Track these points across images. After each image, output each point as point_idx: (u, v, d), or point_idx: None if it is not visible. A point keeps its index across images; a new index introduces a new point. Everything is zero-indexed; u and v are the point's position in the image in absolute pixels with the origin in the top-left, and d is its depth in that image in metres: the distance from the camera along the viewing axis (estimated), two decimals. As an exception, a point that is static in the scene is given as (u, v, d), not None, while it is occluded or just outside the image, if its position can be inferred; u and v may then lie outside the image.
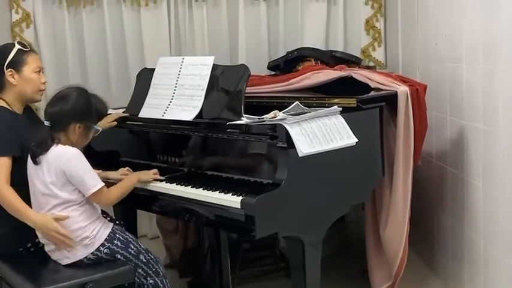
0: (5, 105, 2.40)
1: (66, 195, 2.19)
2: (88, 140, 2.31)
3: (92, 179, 2.20)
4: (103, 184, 2.22)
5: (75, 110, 2.22)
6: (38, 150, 2.21)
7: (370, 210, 2.84)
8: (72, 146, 2.24)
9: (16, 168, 2.28)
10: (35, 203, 2.25)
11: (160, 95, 2.70)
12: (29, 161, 2.25)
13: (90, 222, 2.23)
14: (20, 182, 2.26)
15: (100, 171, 2.48)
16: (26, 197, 2.24)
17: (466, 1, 2.62)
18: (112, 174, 2.50)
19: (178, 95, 2.63)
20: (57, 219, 2.18)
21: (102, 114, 2.36)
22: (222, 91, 2.55)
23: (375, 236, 2.82)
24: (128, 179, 2.38)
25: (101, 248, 2.24)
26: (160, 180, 2.42)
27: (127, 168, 2.53)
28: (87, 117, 2.25)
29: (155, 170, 2.45)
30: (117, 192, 2.30)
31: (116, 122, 2.68)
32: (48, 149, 2.19)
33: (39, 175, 2.21)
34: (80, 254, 2.23)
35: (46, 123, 2.23)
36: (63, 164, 2.17)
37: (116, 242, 2.26)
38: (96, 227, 2.25)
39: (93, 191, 2.18)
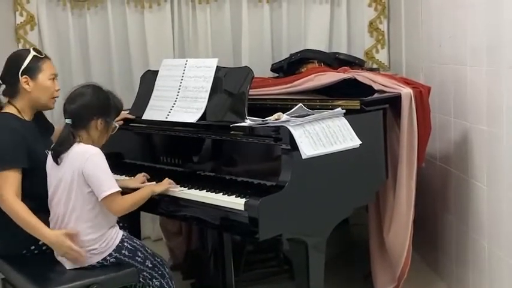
0: (15, 112, 2.38)
1: (81, 200, 2.17)
2: (107, 137, 2.30)
3: (109, 181, 2.16)
4: (119, 189, 2.18)
5: (95, 105, 2.22)
6: (60, 148, 2.19)
7: (373, 213, 2.84)
8: (94, 144, 2.23)
9: (24, 180, 2.27)
10: (52, 207, 2.24)
11: (164, 97, 2.70)
12: (50, 162, 2.24)
13: (100, 235, 2.21)
14: (29, 195, 2.26)
15: (119, 177, 2.46)
16: (35, 210, 2.22)
17: (469, 3, 2.62)
18: (132, 183, 2.44)
19: (182, 97, 2.63)
20: (68, 235, 2.16)
21: (119, 110, 2.35)
22: (225, 93, 2.55)
23: (379, 238, 2.81)
24: (141, 191, 2.30)
25: (108, 258, 2.23)
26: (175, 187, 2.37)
27: (143, 174, 2.48)
28: (107, 112, 2.25)
29: (170, 180, 2.38)
30: (130, 202, 2.23)
31: (122, 122, 2.68)
32: (69, 147, 2.18)
33: (60, 176, 2.19)
34: (86, 261, 2.22)
35: (67, 120, 2.21)
36: (83, 162, 2.14)
37: (123, 251, 2.25)
38: (106, 239, 2.22)
39: (108, 193, 2.14)
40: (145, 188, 2.35)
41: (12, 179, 2.23)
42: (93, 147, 2.20)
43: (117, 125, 2.35)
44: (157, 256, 2.33)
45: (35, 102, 2.42)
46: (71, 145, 2.18)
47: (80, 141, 2.20)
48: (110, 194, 2.15)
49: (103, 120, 2.24)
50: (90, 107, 2.21)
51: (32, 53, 2.41)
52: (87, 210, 2.19)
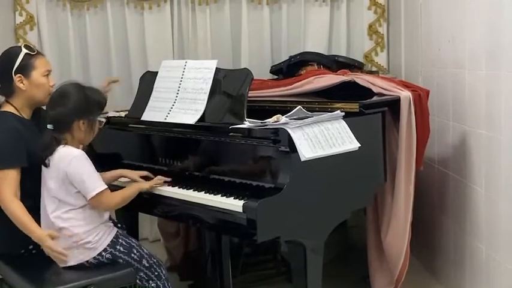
0: (13, 110, 2.38)
1: (69, 198, 2.19)
2: (95, 133, 2.31)
3: (94, 182, 2.18)
4: (105, 187, 2.21)
5: (74, 108, 2.21)
6: (43, 153, 2.21)
7: (371, 216, 2.84)
8: (81, 143, 2.25)
9: (23, 179, 2.27)
10: (43, 205, 2.25)
11: (163, 98, 2.70)
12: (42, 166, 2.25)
13: (93, 227, 2.22)
14: (27, 194, 2.26)
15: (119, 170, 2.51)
16: (32, 209, 2.22)
17: (469, 7, 2.63)
18: (130, 173, 2.49)
19: (181, 98, 2.63)
20: (51, 235, 2.17)
21: (101, 105, 2.33)
22: (224, 95, 2.55)
23: (377, 241, 2.81)
24: (129, 188, 2.36)
25: (103, 253, 2.24)
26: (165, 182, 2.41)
27: (147, 172, 2.51)
28: (88, 111, 2.24)
29: (159, 176, 2.43)
30: (119, 198, 2.28)
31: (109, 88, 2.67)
32: (53, 151, 2.19)
33: (50, 177, 2.21)
34: (81, 257, 2.22)
35: (49, 126, 2.23)
36: (66, 165, 2.17)
37: (118, 247, 2.26)
38: (100, 232, 2.24)
39: (93, 193, 2.17)
40: (134, 184, 2.40)
41: (10, 178, 2.24)
42: (75, 149, 2.21)
43: (104, 120, 2.36)
44: (153, 257, 2.33)
45: (31, 100, 2.42)
46: (54, 149, 2.20)
47: (65, 144, 2.21)
48: (97, 194, 2.17)
49: (85, 120, 2.24)
50: (69, 111, 2.21)
51: (24, 50, 2.39)
52: (79, 207, 2.21)
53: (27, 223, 2.20)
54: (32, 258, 2.33)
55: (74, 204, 2.20)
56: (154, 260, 2.32)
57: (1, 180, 2.23)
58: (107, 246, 2.24)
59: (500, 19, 2.32)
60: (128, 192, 2.33)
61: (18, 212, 2.20)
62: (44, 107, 2.55)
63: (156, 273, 2.30)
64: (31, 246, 2.33)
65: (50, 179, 2.21)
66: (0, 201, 2.23)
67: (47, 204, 2.23)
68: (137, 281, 2.27)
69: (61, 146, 2.20)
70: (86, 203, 2.21)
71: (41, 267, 2.26)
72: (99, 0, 3.57)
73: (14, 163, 2.26)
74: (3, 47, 2.48)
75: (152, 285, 2.28)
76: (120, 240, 2.28)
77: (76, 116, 2.22)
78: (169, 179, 2.43)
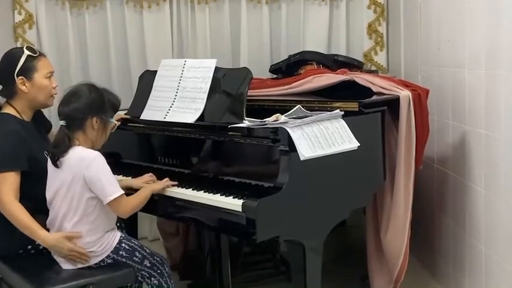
0: (14, 113, 2.37)
1: (83, 202, 2.16)
2: (107, 135, 2.27)
3: (112, 186, 2.14)
4: (123, 192, 2.17)
5: (88, 104, 2.19)
6: (55, 150, 2.17)
7: (371, 215, 2.84)
8: (92, 145, 2.22)
9: (23, 182, 2.25)
10: (51, 209, 2.22)
11: (162, 97, 2.70)
12: (50, 165, 2.22)
13: (98, 237, 2.21)
14: (27, 196, 2.25)
15: (122, 178, 2.45)
16: (32, 212, 2.21)
17: (469, 6, 2.62)
18: (136, 182, 2.43)
19: (180, 97, 2.63)
20: (69, 238, 2.16)
21: (115, 106, 2.31)
22: (224, 94, 2.55)
23: (376, 240, 2.81)
24: (142, 191, 2.30)
25: (105, 259, 2.23)
26: (174, 185, 2.37)
27: (150, 174, 2.46)
28: (102, 110, 2.22)
29: (166, 179, 2.39)
30: (135, 202, 2.24)
31: (119, 122, 2.67)
32: (66, 150, 2.15)
33: (60, 180, 2.18)
34: (81, 264, 2.22)
35: (61, 122, 2.19)
36: (84, 167, 2.12)
37: (121, 252, 2.24)
38: (104, 241, 2.22)
39: (112, 197, 2.13)
40: (146, 187, 2.34)
41: (11, 181, 2.22)
42: (92, 151, 2.18)
43: (116, 123, 2.33)
44: (156, 255, 2.33)
45: (33, 102, 2.41)
46: (67, 148, 2.16)
47: (78, 144, 2.18)
48: (115, 198, 2.14)
49: (98, 118, 2.21)
50: (83, 106, 2.18)
51: (26, 52, 2.37)
52: (87, 214, 2.18)
53: (33, 228, 2.19)
54: (31, 258, 2.32)
55: (84, 211, 2.17)
56: (157, 259, 2.31)
57: (1, 183, 2.21)
58: (110, 252, 2.23)
59: (500, 19, 2.31)
60: (143, 196, 2.28)
61: (21, 216, 2.19)
62: (43, 110, 2.56)
63: (159, 271, 2.30)
64: (29, 246, 2.32)
65: (61, 182, 2.17)
66: (0, 204, 2.22)
67: (58, 210, 2.20)
68: (139, 278, 2.28)
69: (74, 147, 2.17)
70: (95, 210, 2.18)
71: (40, 266, 2.26)
72: (99, -1, 3.58)
73: (13, 166, 2.24)
74: (2, 46, 2.49)
75: (154, 282, 2.28)
76: (123, 245, 2.26)
77: (90, 113, 2.18)
78: (176, 183, 2.38)
